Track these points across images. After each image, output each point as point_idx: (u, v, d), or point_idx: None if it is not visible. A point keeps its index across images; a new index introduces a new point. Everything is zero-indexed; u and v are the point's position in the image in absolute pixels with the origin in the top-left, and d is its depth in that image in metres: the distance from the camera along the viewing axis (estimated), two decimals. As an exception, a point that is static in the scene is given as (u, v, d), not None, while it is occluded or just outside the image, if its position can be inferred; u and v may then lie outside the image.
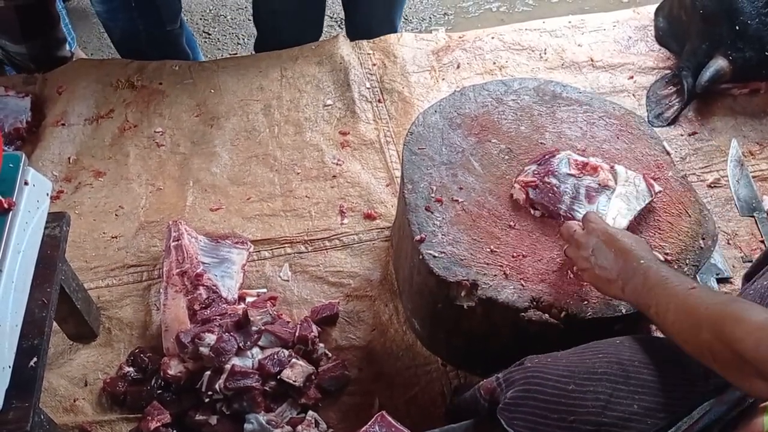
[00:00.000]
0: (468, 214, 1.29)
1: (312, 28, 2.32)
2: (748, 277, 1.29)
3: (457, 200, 1.30)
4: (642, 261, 1.04)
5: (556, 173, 1.30)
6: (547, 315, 1.17)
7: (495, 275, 1.21)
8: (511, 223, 1.28)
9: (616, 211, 1.25)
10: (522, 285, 1.20)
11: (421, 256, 1.23)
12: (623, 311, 1.16)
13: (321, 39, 2.31)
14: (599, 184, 1.28)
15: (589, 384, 1.00)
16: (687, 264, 1.22)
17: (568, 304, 1.17)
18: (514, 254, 1.24)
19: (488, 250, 1.24)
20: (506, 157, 1.38)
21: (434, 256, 1.22)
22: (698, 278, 1.55)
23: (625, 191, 1.28)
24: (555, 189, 1.28)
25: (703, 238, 1.26)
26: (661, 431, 0.96)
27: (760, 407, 0.91)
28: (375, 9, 2.27)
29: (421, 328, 1.47)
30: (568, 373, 1.02)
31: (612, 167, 1.32)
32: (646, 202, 1.28)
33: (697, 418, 0.96)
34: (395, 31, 2.33)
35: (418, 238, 1.24)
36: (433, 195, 1.31)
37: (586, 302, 1.18)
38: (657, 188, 1.30)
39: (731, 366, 0.86)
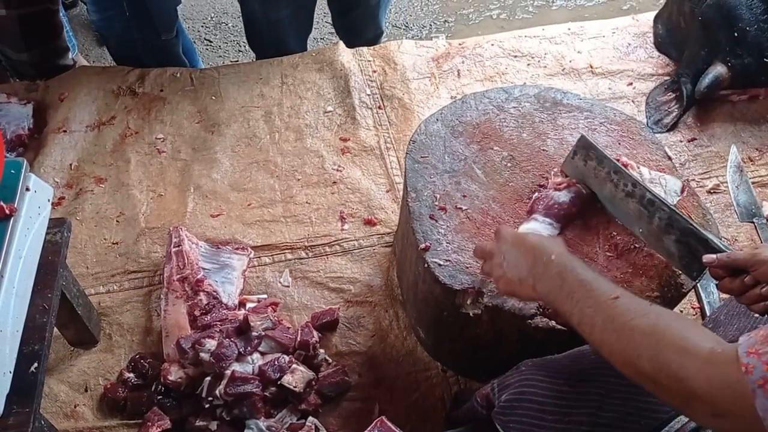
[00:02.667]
0: (472, 222, 1.29)
1: (304, 37, 2.35)
2: None
3: (460, 208, 1.31)
4: (553, 257, 0.99)
5: None
6: (553, 322, 1.17)
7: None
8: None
9: None
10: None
11: (426, 265, 1.23)
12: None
13: (321, 46, 2.32)
14: None
15: (583, 385, 1.00)
16: (691, 269, 1.22)
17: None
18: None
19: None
20: (509, 164, 1.38)
21: (439, 265, 1.22)
22: (700, 285, 1.56)
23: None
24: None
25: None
26: (655, 431, 0.96)
27: None
28: (361, 9, 2.29)
29: (426, 337, 1.47)
30: (563, 375, 1.02)
31: (638, 167, 1.32)
32: (676, 200, 1.28)
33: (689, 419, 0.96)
34: (381, 31, 2.37)
35: (423, 246, 1.24)
36: (436, 203, 1.31)
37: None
38: (683, 185, 1.30)
39: (680, 400, 0.79)
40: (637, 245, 1.24)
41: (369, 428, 1.18)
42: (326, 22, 2.52)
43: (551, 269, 0.98)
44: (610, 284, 0.93)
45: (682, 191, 1.30)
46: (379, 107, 2.01)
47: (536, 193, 1.31)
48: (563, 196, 1.27)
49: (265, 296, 1.59)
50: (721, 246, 1.08)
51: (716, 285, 1.07)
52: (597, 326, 0.88)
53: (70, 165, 1.86)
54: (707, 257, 1.05)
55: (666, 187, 1.30)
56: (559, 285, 0.96)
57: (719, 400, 0.73)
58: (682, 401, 0.78)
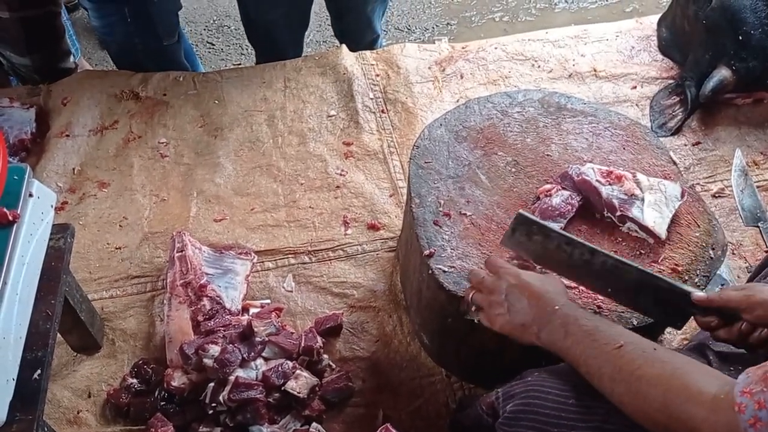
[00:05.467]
0: (476, 228, 1.28)
1: (300, 35, 2.37)
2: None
3: (465, 214, 1.30)
4: (557, 307, 1.00)
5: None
6: None
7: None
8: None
9: (652, 221, 1.24)
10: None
11: (430, 271, 1.22)
12: (634, 323, 1.15)
13: (324, 49, 2.32)
14: (626, 194, 1.28)
15: (589, 398, 0.99)
16: (698, 275, 1.21)
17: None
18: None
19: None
20: (513, 169, 1.38)
21: (444, 271, 1.22)
22: (705, 290, 1.55)
23: (654, 199, 1.27)
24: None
25: (713, 249, 1.25)
26: None
27: None
28: (354, 14, 2.30)
29: (430, 343, 1.47)
30: (569, 387, 1.01)
31: (634, 175, 1.31)
32: (677, 206, 1.27)
33: None
34: (377, 35, 2.38)
35: (427, 252, 1.24)
36: (440, 209, 1.30)
37: (598, 314, 1.17)
38: (683, 190, 1.29)
39: None
40: (643, 251, 1.24)
41: (373, 435, 1.18)
42: (329, 25, 2.52)
43: (555, 320, 0.99)
44: (614, 331, 0.95)
45: (682, 196, 1.29)
46: (383, 111, 2.00)
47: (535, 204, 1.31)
48: (556, 200, 1.28)
49: (268, 301, 1.58)
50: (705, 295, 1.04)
51: (711, 336, 1.04)
52: (605, 377, 0.90)
53: (73, 169, 1.86)
54: (697, 296, 1.02)
55: (666, 193, 1.29)
56: (563, 335, 0.97)
57: None
58: None
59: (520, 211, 1.16)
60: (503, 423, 1.04)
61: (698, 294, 1.02)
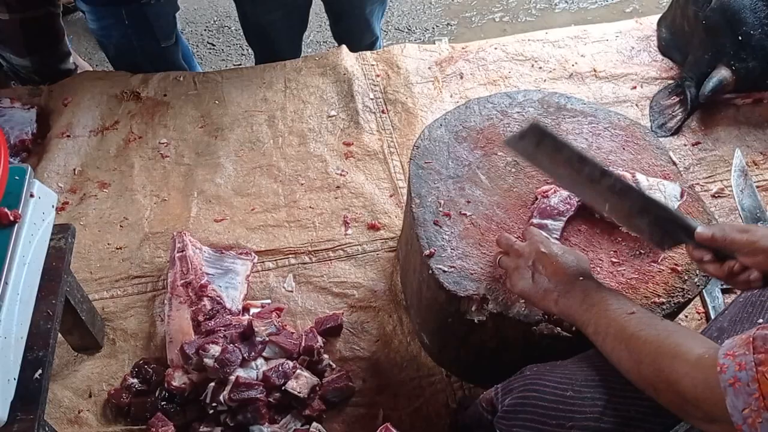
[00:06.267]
0: (477, 228, 1.28)
1: (298, 38, 2.37)
2: None
3: (465, 214, 1.30)
4: (581, 278, 1.05)
5: None
6: (558, 328, 1.16)
7: (505, 289, 1.20)
8: (521, 236, 1.28)
9: None
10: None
11: (430, 271, 1.22)
12: None
13: (324, 50, 2.33)
14: None
15: (587, 390, 1.00)
16: (697, 274, 1.21)
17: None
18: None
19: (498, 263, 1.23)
20: (513, 169, 1.38)
21: (444, 271, 1.22)
22: (705, 290, 1.55)
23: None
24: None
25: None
26: None
27: None
28: (354, 18, 2.30)
29: (430, 343, 1.47)
30: (566, 380, 1.02)
31: (633, 175, 1.31)
32: (677, 206, 1.27)
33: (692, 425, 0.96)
34: (376, 37, 2.38)
35: (427, 252, 1.24)
36: (441, 209, 1.30)
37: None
38: (683, 190, 1.30)
39: (676, 405, 0.85)
40: (642, 251, 1.24)
41: (374, 434, 1.18)
42: (329, 25, 2.52)
43: (576, 287, 1.04)
44: (630, 303, 0.99)
45: (682, 196, 1.29)
46: (383, 111, 2.00)
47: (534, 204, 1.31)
48: (554, 199, 1.28)
49: (268, 301, 1.59)
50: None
51: (697, 264, 1.05)
52: (609, 336, 0.95)
53: (74, 170, 1.87)
54: (702, 233, 0.99)
55: (665, 193, 1.29)
56: (580, 300, 1.02)
57: (705, 402, 0.78)
58: (677, 406, 0.85)
59: (535, 122, 1.17)
60: (501, 417, 1.04)
61: (703, 231, 1.00)
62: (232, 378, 1.35)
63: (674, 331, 0.89)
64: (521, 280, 1.10)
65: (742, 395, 0.71)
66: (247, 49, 2.89)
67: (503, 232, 1.24)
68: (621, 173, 1.31)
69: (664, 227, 1.06)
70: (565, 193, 1.28)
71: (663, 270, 1.22)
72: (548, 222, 1.26)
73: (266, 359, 1.43)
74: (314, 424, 1.37)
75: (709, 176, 1.85)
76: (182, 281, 1.53)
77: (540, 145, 1.15)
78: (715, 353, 0.78)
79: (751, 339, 0.74)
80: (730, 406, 0.72)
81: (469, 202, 1.32)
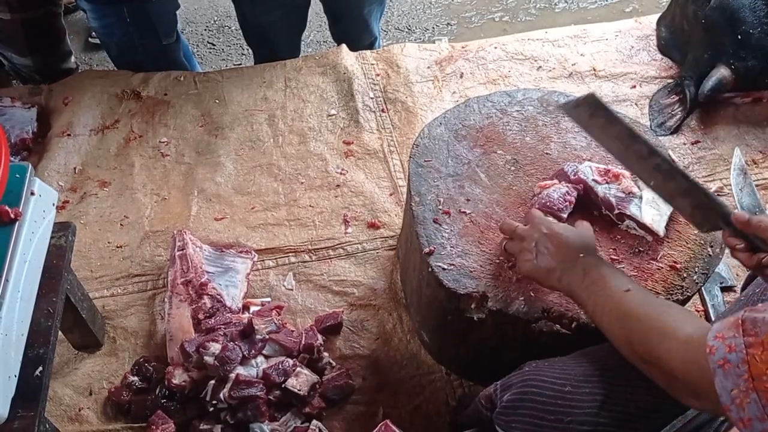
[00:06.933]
0: (476, 226, 1.29)
1: (297, 38, 2.37)
2: (746, 283, 1.29)
3: (464, 212, 1.31)
4: (582, 255, 1.06)
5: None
6: (558, 325, 1.16)
7: (505, 286, 1.20)
8: (523, 221, 1.28)
9: (650, 218, 1.25)
10: (532, 295, 1.19)
11: (430, 269, 1.22)
12: None
13: (324, 49, 2.33)
14: (624, 193, 1.28)
15: (586, 386, 1.01)
16: (696, 272, 1.22)
17: (578, 314, 1.16)
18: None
19: (497, 261, 1.24)
20: (512, 168, 1.38)
21: (443, 269, 1.22)
22: (704, 288, 1.56)
23: (651, 197, 1.27)
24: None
25: (712, 246, 1.26)
26: (655, 430, 0.97)
27: None
28: (352, 19, 2.31)
29: (430, 341, 1.47)
30: (565, 376, 1.03)
31: (631, 176, 1.32)
32: None
33: (691, 418, 0.97)
34: (375, 37, 2.39)
35: (427, 250, 1.24)
36: (440, 207, 1.31)
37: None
38: None
39: (664, 381, 0.87)
40: (642, 249, 1.24)
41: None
42: (328, 26, 2.53)
43: (578, 264, 1.06)
44: (627, 280, 1.01)
45: None
46: (383, 110, 2.01)
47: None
48: (555, 194, 1.28)
49: (268, 300, 1.59)
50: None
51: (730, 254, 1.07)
52: (606, 313, 0.97)
53: (74, 169, 1.87)
54: (739, 215, 1.02)
55: None
56: (581, 278, 1.04)
57: (692, 380, 0.80)
58: (665, 382, 0.87)
59: (593, 92, 1.19)
60: (500, 413, 1.05)
61: (742, 213, 1.03)
62: (233, 376, 1.36)
63: (667, 309, 0.92)
64: (526, 262, 1.12)
65: (731, 376, 0.73)
66: (247, 49, 2.88)
67: (506, 218, 1.26)
68: (618, 171, 1.30)
69: (705, 211, 1.09)
70: (564, 188, 1.28)
71: (662, 267, 1.22)
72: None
73: (266, 357, 1.43)
74: (314, 421, 1.38)
75: (709, 175, 1.85)
76: (182, 279, 1.53)
77: (593, 116, 1.18)
78: (704, 333, 0.79)
79: (740, 321, 0.75)
80: (719, 387, 0.74)
81: (468, 200, 1.32)
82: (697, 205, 1.09)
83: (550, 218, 1.18)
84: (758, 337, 0.72)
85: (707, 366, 0.76)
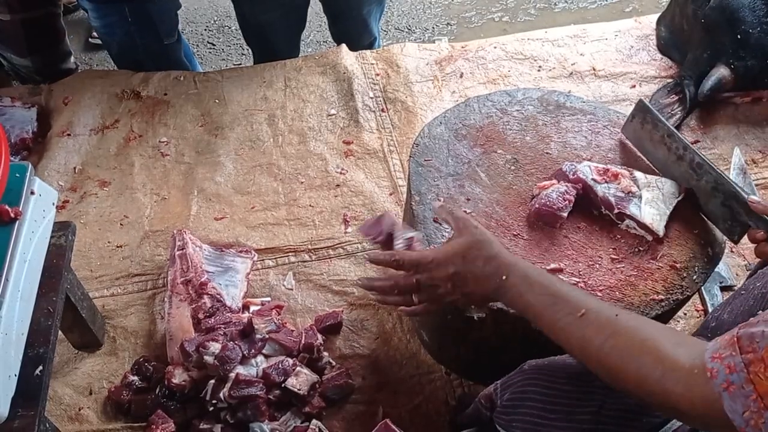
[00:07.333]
0: (476, 226, 1.29)
1: (296, 37, 2.37)
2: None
3: (465, 211, 1.31)
4: (504, 277, 0.97)
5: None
6: None
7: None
8: (520, 233, 1.28)
9: (650, 218, 1.25)
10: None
11: None
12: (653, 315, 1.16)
13: (324, 49, 2.33)
14: (623, 192, 1.28)
15: (586, 383, 1.00)
16: (696, 272, 1.22)
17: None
18: (524, 264, 1.24)
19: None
20: (512, 167, 1.38)
21: None
22: (704, 288, 1.56)
23: (651, 196, 1.28)
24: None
25: (711, 246, 1.26)
26: (655, 429, 0.97)
27: None
28: (352, 19, 2.31)
29: (429, 340, 1.47)
30: (565, 374, 1.03)
31: (631, 173, 1.32)
32: (674, 203, 1.28)
33: None
34: (374, 37, 2.39)
35: None
36: None
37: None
38: (682, 187, 1.31)
39: (672, 415, 0.83)
40: (641, 248, 1.24)
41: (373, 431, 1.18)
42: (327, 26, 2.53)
43: (507, 292, 0.97)
44: (573, 295, 0.92)
45: (680, 194, 1.30)
46: (383, 110, 2.01)
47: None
48: (554, 194, 1.28)
49: (268, 299, 1.59)
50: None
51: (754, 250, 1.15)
52: (576, 349, 0.89)
53: (74, 168, 1.87)
54: (753, 198, 1.12)
55: (663, 191, 1.29)
56: (523, 308, 0.95)
57: (704, 415, 0.75)
58: (671, 415, 0.84)
59: (641, 98, 1.38)
60: (501, 412, 1.05)
61: (754, 200, 1.11)
62: (233, 375, 1.36)
63: (645, 337, 0.83)
64: (456, 301, 1.04)
65: (739, 398, 0.71)
66: (247, 49, 2.88)
67: (369, 276, 1.20)
68: (617, 170, 1.31)
69: (732, 207, 1.15)
70: (563, 187, 1.28)
71: (662, 267, 1.22)
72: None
73: (266, 356, 1.43)
74: (314, 421, 1.38)
75: (708, 175, 1.85)
76: (182, 279, 1.54)
77: (643, 123, 1.36)
78: (696, 358, 0.76)
79: (735, 339, 0.73)
80: (729, 410, 0.71)
81: (468, 199, 1.32)
82: (724, 201, 1.17)
83: (434, 250, 1.08)
84: (757, 353, 0.70)
85: (710, 392, 0.73)
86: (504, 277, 0.97)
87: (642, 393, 0.81)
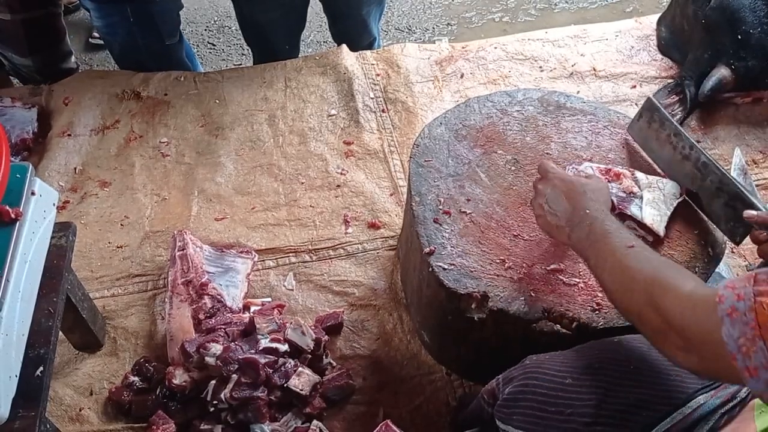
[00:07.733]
0: (476, 226, 1.29)
1: (296, 37, 2.37)
2: None
3: (465, 212, 1.31)
4: (588, 210, 1.08)
5: None
6: (558, 325, 1.17)
7: (505, 286, 1.21)
8: (520, 234, 1.28)
9: (651, 219, 1.25)
10: (532, 295, 1.19)
11: (430, 269, 1.23)
12: None
13: (324, 49, 2.33)
14: (624, 192, 1.28)
15: (586, 378, 1.01)
16: (696, 272, 1.22)
17: (579, 314, 1.17)
18: (524, 265, 1.24)
19: (498, 261, 1.24)
20: (513, 167, 1.38)
21: (444, 269, 1.22)
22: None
23: (652, 197, 1.28)
24: None
25: (712, 246, 1.26)
26: (655, 423, 0.97)
27: (750, 404, 0.91)
28: (351, 19, 2.31)
29: (430, 341, 1.47)
30: (566, 368, 1.03)
31: (633, 173, 1.32)
32: (675, 204, 1.28)
33: (691, 411, 0.96)
34: (374, 37, 2.39)
35: (427, 250, 1.24)
36: (441, 207, 1.31)
37: (597, 312, 1.17)
38: (682, 188, 1.32)
39: (657, 333, 0.88)
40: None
41: (374, 432, 1.18)
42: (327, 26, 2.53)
43: (584, 220, 1.07)
44: (631, 236, 1.02)
45: (681, 194, 1.30)
46: (383, 110, 2.01)
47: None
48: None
49: (269, 300, 1.59)
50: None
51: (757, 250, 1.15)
52: (606, 268, 0.99)
53: (75, 169, 1.87)
54: (748, 213, 1.12)
55: (664, 191, 1.30)
56: (587, 233, 1.06)
57: (690, 332, 0.81)
58: (657, 333, 0.88)
59: (650, 96, 1.37)
60: (502, 405, 1.05)
61: (749, 212, 1.12)
62: (234, 376, 1.35)
63: (670, 266, 0.94)
64: (539, 218, 1.18)
65: (738, 324, 0.73)
66: (248, 49, 2.88)
67: (544, 161, 1.25)
68: (618, 171, 1.31)
69: (736, 208, 1.16)
70: None
71: (662, 267, 1.22)
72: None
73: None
74: (315, 422, 1.38)
75: (709, 175, 1.85)
76: (183, 280, 1.53)
77: (650, 122, 1.34)
78: (707, 289, 0.81)
79: (753, 275, 0.76)
80: (725, 335, 0.74)
81: (469, 200, 1.32)
82: (727, 201, 1.17)
83: (560, 170, 1.20)
84: None
85: (708, 318, 0.76)
86: (587, 210, 1.08)
87: (644, 307, 0.89)
